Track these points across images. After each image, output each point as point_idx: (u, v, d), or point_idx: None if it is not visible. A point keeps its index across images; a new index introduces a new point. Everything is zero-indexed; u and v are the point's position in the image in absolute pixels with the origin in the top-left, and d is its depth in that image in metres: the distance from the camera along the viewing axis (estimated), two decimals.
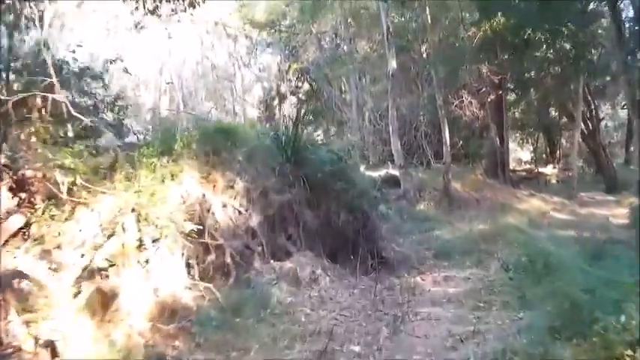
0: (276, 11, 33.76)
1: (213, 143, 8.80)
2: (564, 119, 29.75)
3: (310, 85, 36.20)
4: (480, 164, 23.50)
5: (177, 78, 37.69)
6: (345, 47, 29.12)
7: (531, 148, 36.31)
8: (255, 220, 8.36)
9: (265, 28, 34.15)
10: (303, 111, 38.33)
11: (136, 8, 13.31)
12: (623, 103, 29.56)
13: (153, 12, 13.00)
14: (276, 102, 37.90)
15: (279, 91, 38.31)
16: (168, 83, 36.80)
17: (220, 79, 38.52)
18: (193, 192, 7.95)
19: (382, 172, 18.50)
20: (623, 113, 33.43)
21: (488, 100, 22.23)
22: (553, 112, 30.16)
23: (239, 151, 8.99)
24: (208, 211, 8.00)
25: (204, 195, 8.04)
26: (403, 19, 23.84)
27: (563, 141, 34.33)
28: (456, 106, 22.47)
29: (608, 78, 25.50)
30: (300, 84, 37.57)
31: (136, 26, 17.45)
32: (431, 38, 20.04)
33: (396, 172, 18.02)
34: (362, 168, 21.48)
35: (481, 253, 10.52)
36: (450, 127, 19.45)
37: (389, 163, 20.31)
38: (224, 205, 8.20)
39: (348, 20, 28.25)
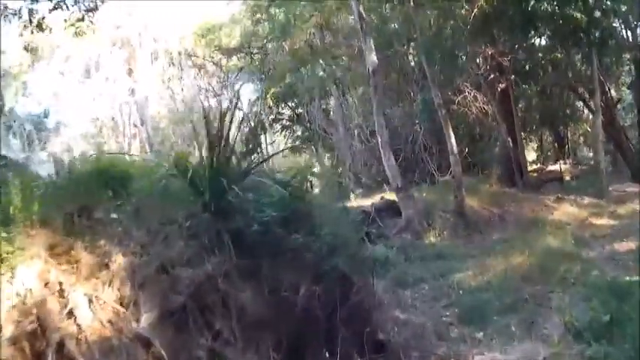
0: (244, 33, 30.73)
1: (80, 196, 5.37)
2: (570, 108, 27.06)
3: (292, 109, 32.99)
4: (493, 171, 20.00)
5: (140, 119, 34.52)
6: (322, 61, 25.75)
7: (535, 146, 33.32)
8: (146, 320, 4.87)
9: (235, 53, 31.13)
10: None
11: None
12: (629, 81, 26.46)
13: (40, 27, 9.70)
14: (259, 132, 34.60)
15: (260, 119, 35.12)
16: (135, 126, 33.57)
17: (191, 112, 35.34)
18: (33, 284, 4.55)
19: (376, 199, 15.15)
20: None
21: (498, 89, 18.82)
22: (557, 101, 26.61)
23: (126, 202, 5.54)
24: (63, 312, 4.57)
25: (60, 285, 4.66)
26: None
27: (569, 133, 31.99)
28: (458, 103, 18.90)
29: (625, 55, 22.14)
30: (281, 110, 34.45)
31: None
32: (419, 22, 16.55)
33: (394, 197, 14.56)
34: (352, 197, 18.40)
35: (529, 306, 7.09)
36: (454, 131, 16.10)
37: (386, 185, 17.12)
38: (90, 301, 4.75)
39: (322, 29, 25.00)
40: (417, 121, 21.25)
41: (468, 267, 9.52)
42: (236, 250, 5.43)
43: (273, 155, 14.57)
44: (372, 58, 14.49)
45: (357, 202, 16.54)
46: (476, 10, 15.56)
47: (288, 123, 34.69)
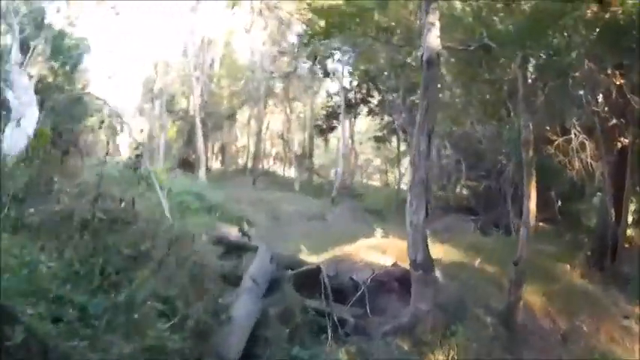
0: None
1: None
2: None
3: (382, 93, 27.99)
4: (584, 244, 14.46)
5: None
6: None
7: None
8: None
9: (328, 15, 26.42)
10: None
11: None
12: None
13: None
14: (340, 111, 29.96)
15: (348, 98, 30.42)
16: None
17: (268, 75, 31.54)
18: None
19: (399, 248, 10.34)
20: None
21: (617, 143, 13.17)
22: None
23: None
24: None
25: None
26: None
27: None
28: (557, 147, 13.27)
29: None
30: (370, 92, 29.63)
31: None
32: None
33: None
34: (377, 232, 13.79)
35: None
36: (540, 176, 11.06)
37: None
38: None
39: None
40: (504, 149, 15.99)
41: None
42: None
43: None
44: (432, 40, 9.18)
45: (369, 246, 11.92)
46: (608, 14, 9.76)
47: (376, 108, 29.93)
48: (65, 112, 21.48)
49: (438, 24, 9.34)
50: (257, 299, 7.50)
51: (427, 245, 8.66)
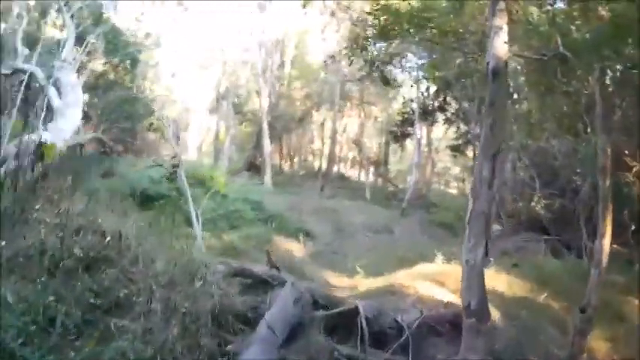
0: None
1: None
2: None
3: (458, 101, 26.68)
4: None
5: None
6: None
7: None
8: None
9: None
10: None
11: None
12: None
13: None
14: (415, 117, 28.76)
15: (425, 103, 29.19)
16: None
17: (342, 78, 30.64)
18: None
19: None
20: None
21: None
22: None
23: None
24: None
25: None
26: None
27: None
28: (635, 174, 11.66)
29: None
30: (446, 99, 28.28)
31: None
32: None
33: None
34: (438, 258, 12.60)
35: None
36: (615, 200, 9.57)
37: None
38: None
39: None
40: (578, 169, 14.61)
41: None
42: None
43: None
44: (499, 47, 8.05)
45: (426, 274, 10.86)
46: None
47: (452, 117, 28.57)
48: (121, 110, 21.37)
49: (505, 28, 8.21)
50: (272, 350, 6.34)
51: (484, 289, 7.57)
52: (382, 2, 14.46)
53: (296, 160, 41.30)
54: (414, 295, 9.57)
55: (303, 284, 8.60)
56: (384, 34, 14.35)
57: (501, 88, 8.36)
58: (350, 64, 16.44)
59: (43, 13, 21.84)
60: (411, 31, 14.19)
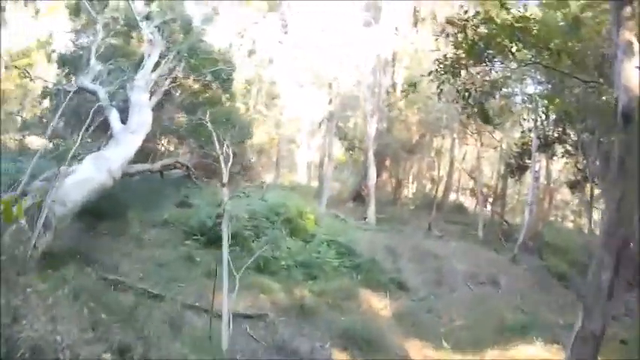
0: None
1: None
2: None
3: (578, 133, 24.13)
4: None
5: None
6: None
7: None
8: None
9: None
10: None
11: None
12: None
13: None
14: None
15: (545, 134, 26.73)
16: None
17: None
18: None
19: None
20: None
21: None
22: None
23: None
24: None
25: None
26: None
27: None
28: None
29: None
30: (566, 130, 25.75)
31: None
32: None
33: None
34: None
35: None
36: None
37: None
38: None
39: None
40: None
41: None
42: None
43: None
44: (631, 76, 6.24)
45: None
46: None
47: (571, 150, 25.95)
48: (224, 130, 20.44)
49: (637, 45, 6.36)
50: None
51: None
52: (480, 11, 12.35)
53: (413, 185, 39.79)
54: None
55: None
56: (474, 53, 12.77)
57: (636, 135, 6.11)
58: (439, 94, 14.00)
59: (130, 27, 21.61)
60: (513, 49, 12.57)
